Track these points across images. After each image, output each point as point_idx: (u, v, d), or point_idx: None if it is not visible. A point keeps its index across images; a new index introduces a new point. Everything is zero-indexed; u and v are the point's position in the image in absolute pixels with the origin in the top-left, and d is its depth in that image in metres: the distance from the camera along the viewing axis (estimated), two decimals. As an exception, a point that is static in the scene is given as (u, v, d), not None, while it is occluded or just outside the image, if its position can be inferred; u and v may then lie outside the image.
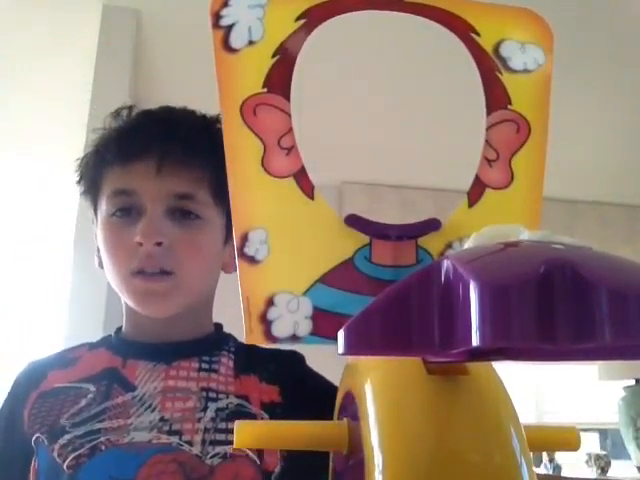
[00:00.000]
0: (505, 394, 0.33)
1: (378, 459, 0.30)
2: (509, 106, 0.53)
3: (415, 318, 0.25)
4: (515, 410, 0.33)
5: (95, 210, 0.76)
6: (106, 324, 2.26)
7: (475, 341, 0.22)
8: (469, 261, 0.24)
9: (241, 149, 0.50)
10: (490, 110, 0.54)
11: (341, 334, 0.26)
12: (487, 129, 0.54)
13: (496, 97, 0.53)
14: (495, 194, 0.53)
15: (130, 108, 0.77)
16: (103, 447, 0.65)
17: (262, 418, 0.69)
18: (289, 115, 0.53)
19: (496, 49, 0.51)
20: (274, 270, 0.50)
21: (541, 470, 2.76)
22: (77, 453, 0.65)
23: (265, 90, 0.51)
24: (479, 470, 0.29)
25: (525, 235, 0.27)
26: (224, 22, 0.49)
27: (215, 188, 0.72)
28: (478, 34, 0.51)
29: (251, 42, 0.50)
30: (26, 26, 2.43)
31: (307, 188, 0.52)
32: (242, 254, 0.50)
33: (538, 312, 0.21)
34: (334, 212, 0.51)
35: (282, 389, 0.73)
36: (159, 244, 0.68)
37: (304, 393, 0.73)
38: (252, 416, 0.69)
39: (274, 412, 0.71)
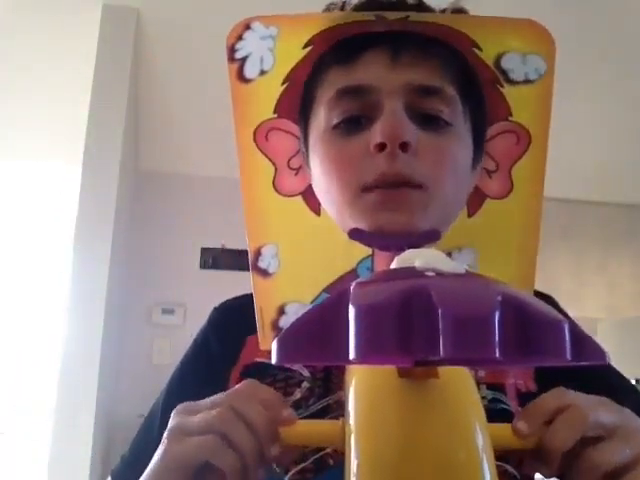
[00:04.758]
0: (473, 396, 0.36)
1: (353, 458, 0.33)
2: (510, 117, 0.53)
3: (331, 334, 0.29)
4: (482, 410, 0.35)
5: (305, 129, 0.57)
6: (106, 323, 2.26)
7: (351, 355, 0.27)
8: (359, 286, 0.29)
9: (254, 171, 0.54)
10: (491, 122, 0.54)
11: (274, 346, 0.30)
12: (487, 141, 0.55)
13: (497, 110, 0.54)
14: (495, 204, 0.55)
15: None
16: (331, 461, 0.53)
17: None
18: (297, 137, 0.56)
19: (497, 62, 0.52)
20: (284, 281, 0.53)
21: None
22: (300, 467, 0.53)
23: (276, 116, 0.54)
24: (444, 467, 0.32)
25: (419, 262, 0.32)
26: (239, 55, 0.52)
27: (461, 86, 0.54)
28: (480, 48, 0.52)
29: (263, 72, 0.52)
30: (26, 26, 2.43)
31: (314, 205, 0.56)
32: (256, 267, 0.54)
33: (397, 330, 0.26)
34: (338, 226, 0.53)
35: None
36: (405, 146, 0.50)
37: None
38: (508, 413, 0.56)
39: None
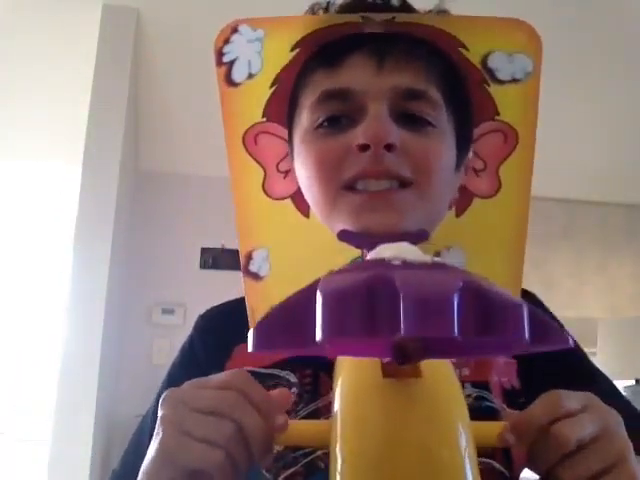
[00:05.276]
0: (457, 394, 0.36)
1: (337, 456, 0.34)
2: (497, 117, 0.53)
3: (303, 321, 0.30)
4: (465, 409, 0.36)
5: (290, 132, 0.57)
6: (106, 323, 2.26)
7: (318, 337, 0.29)
8: (328, 277, 0.31)
9: (244, 175, 0.54)
10: (478, 122, 0.55)
11: (250, 335, 0.32)
12: (475, 140, 0.55)
13: (484, 109, 0.54)
14: (483, 203, 0.55)
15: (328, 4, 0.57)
16: (322, 464, 0.52)
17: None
18: (285, 141, 0.56)
19: (484, 61, 0.52)
20: (275, 285, 0.54)
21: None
22: (290, 471, 0.52)
23: (264, 119, 0.54)
24: (427, 465, 0.32)
25: (388, 253, 0.33)
26: (226, 58, 0.51)
27: (445, 89, 0.54)
28: (466, 48, 0.52)
29: (251, 75, 0.52)
30: (26, 26, 2.43)
31: (303, 207, 0.56)
32: (247, 271, 0.54)
33: (361, 313, 0.28)
34: (328, 228, 0.53)
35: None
36: (390, 147, 0.49)
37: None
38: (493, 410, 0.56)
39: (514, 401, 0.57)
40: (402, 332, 0.27)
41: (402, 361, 0.34)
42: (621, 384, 2.85)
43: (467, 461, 0.33)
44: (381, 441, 0.33)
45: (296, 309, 0.31)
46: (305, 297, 0.31)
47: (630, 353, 2.93)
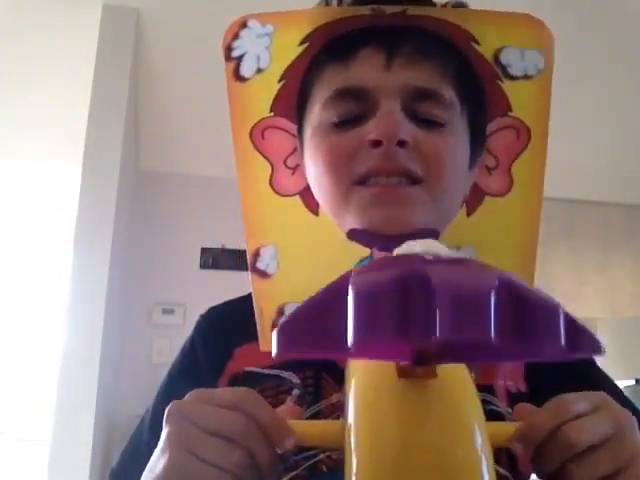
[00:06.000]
0: (472, 395, 0.36)
1: (353, 458, 0.33)
2: (509, 113, 0.53)
3: (332, 323, 0.28)
4: (481, 410, 0.35)
5: (300, 127, 0.56)
6: (106, 323, 2.26)
7: (349, 340, 0.27)
8: (358, 273, 0.29)
9: (251, 170, 0.53)
10: (491, 118, 0.54)
11: (274, 337, 0.29)
12: (487, 137, 0.54)
13: (496, 105, 0.53)
14: (494, 201, 0.54)
15: None
16: (324, 467, 0.51)
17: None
18: (294, 136, 0.55)
19: (496, 56, 0.51)
20: (283, 282, 0.53)
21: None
22: (292, 474, 0.51)
23: (272, 114, 0.54)
24: (443, 466, 0.32)
25: (418, 248, 0.32)
26: (235, 54, 0.51)
27: (460, 86, 0.53)
28: (478, 43, 0.51)
29: (259, 70, 0.52)
30: (26, 26, 2.43)
31: (312, 205, 0.55)
32: (254, 269, 0.53)
33: (395, 313, 0.26)
34: (337, 227, 0.53)
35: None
36: (402, 144, 0.49)
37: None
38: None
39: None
40: (437, 334, 0.25)
41: (421, 362, 0.34)
42: (621, 384, 2.85)
43: (483, 462, 0.32)
44: (397, 442, 0.33)
45: (324, 308, 0.29)
46: (334, 295, 0.29)
47: (630, 353, 2.93)
